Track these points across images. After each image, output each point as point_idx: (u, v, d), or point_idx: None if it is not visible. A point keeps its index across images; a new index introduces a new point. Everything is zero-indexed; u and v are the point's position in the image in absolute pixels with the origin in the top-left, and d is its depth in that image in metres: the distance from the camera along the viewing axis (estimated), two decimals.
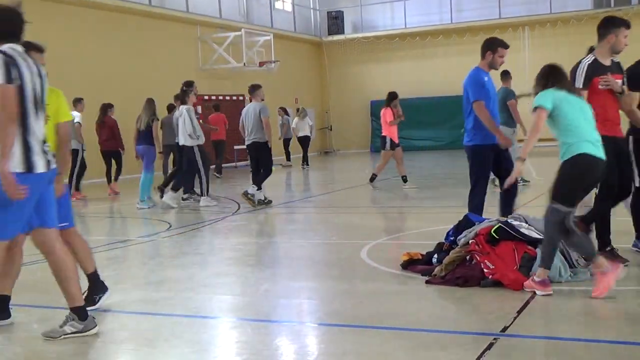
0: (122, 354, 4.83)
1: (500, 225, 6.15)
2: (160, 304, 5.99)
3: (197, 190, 12.93)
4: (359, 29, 30.95)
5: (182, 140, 12.55)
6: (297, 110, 24.97)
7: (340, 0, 31.32)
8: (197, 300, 6.05)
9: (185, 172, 12.97)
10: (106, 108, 15.68)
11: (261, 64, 25.12)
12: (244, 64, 24.31)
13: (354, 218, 11.26)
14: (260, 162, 12.56)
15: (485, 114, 7.25)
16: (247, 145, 12.68)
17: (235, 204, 12.75)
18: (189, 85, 12.66)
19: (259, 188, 12.39)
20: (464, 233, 6.41)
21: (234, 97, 25.35)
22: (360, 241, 8.39)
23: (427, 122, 28.50)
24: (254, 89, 12.71)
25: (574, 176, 5.54)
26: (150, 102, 13.57)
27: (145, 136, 13.24)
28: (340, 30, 30.85)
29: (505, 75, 13.26)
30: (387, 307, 5.52)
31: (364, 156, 28.17)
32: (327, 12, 31.06)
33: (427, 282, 6.09)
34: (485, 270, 5.90)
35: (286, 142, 23.66)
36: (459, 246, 6.29)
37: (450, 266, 6.13)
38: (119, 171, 15.99)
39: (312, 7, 31.47)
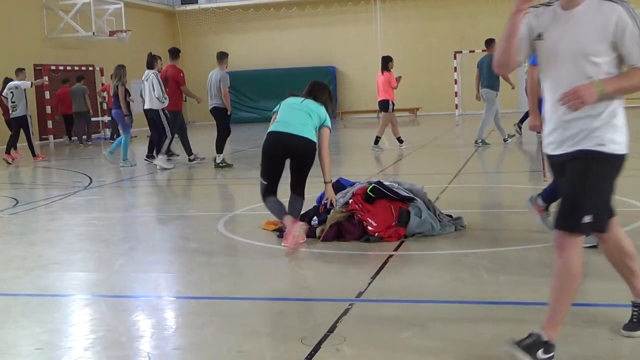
0: None
1: (374, 185, 6.63)
2: (8, 283, 5.71)
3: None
4: None
5: (149, 104, 13.11)
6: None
7: None
8: (48, 278, 5.83)
9: (156, 135, 13.59)
10: None
11: (111, 33, 24.28)
12: (93, 33, 23.40)
13: (212, 190, 11.19)
14: (219, 127, 13.12)
15: None
16: (209, 110, 13.15)
17: (87, 178, 12.33)
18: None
19: (220, 152, 12.95)
20: (338, 195, 6.74)
21: (84, 68, 24.35)
22: (218, 213, 8.36)
23: (282, 93, 28.58)
24: (222, 56, 13.13)
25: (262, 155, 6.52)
26: (117, 68, 14.18)
27: (115, 101, 14.10)
28: (194, 0, 30.29)
29: (490, 42, 14.23)
30: (245, 278, 5.54)
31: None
32: None
33: (320, 239, 6.40)
34: (369, 227, 6.32)
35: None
36: (339, 206, 6.60)
37: (332, 223, 6.47)
38: None
39: None
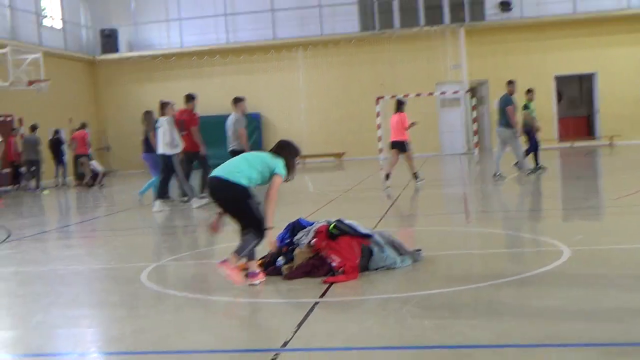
0: None
1: (335, 223, 6.99)
2: None
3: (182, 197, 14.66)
4: (134, 47, 30.33)
5: (162, 149, 13.58)
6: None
7: (114, 17, 30.52)
8: None
9: (163, 179, 13.94)
10: None
11: (30, 84, 23.75)
12: (10, 83, 22.86)
13: (137, 239, 10.97)
14: None
15: None
16: (228, 152, 13.35)
17: (3, 231, 11.95)
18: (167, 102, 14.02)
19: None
20: (300, 234, 7.08)
21: (1, 117, 23.75)
22: (142, 263, 8.18)
23: (210, 140, 28.42)
24: (235, 101, 13.90)
25: None
26: (145, 115, 15.07)
27: (145, 145, 14.91)
28: (114, 49, 30.04)
29: (510, 84, 15.91)
30: (168, 331, 5.42)
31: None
32: (100, 30, 30.13)
33: (285, 277, 6.68)
34: (333, 264, 6.65)
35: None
36: (304, 246, 6.91)
37: (299, 262, 6.79)
38: None
39: (83, 24, 30.38)
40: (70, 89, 28.73)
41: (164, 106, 13.99)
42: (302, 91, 27.61)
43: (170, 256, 8.90)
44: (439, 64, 28.11)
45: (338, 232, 6.90)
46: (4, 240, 11.11)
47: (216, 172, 6.60)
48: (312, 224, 7.26)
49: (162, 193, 13.99)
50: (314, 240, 6.88)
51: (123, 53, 30.08)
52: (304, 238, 7.01)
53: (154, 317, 5.87)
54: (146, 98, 30.02)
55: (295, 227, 7.29)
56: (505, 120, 15.53)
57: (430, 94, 27.80)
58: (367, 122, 28.04)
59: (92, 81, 30.53)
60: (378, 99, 27.86)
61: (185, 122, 14.41)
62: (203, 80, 29.63)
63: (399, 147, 15.69)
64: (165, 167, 13.83)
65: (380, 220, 10.51)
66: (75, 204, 18.66)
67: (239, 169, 6.52)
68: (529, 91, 17.34)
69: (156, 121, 14.15)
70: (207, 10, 29.73)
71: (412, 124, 15.52)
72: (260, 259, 7.04)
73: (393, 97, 27.56)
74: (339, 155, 28.40)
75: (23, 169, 22.66)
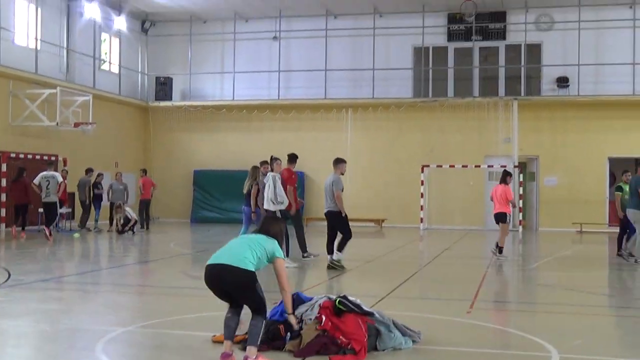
0: None
1: (341, 300, 6.94)
2: None
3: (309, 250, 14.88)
4: (187, 96, 30.63)
5: (266, 204, 13.88)
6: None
7: (171, 66, 30.94)
8: None
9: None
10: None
11: (76, 125, 24.10)
12: (57, 123, 23.22)
13: (126, 298, 10.62)
14: (337, 229, 13.75)
15: None
16: (324, 214, 13.92)
17: (4, 274, 11.75)
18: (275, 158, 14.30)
19: (340, 250, 13.59)
20: (303, 307, 7.03)
21: (45, 157, 24.04)
22: (110, 328, 7.79)
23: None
24: (336, 162, 14.01)
25: None
26: (253, 169, 15.35)
27: (246, 198, 15.30)
28: (168, 97, 30.39)
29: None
30: None
31: (184, 226, 27.52)
32: (156, 77, 30.56)
33: (295, 355, 6.53)
34: (341, 340, 6.59)
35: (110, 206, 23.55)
36: (310, 322, 6.83)
37: (308, 340, 6.65)
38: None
39: (140, 71, 30.88)
40: (120, 133, 29.07)
41: (273, 161, 14.22)
42: (348, 152, 27.14)
43: (143, 321, 8.46)
44: (490, 136, 27.49)
45: (344, 308, 6.88)
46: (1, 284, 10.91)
47: (221, 259, 6.36)
48: (312, 298, 7.25)
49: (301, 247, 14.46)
50: (320, 316, 6.82)
51: (176, 101, 30.35)
52: (309, 313, 6.95)
53: None
54: (193, 147, 30.24)
55: (295, 300, 7.12)
56: (637, 202, 14.75)
57: (477, 166, 27.15)
58: (412, 189, 27.50)
59: (143, 127, 30.85)
60: (424, 167, 27.36)
61: (284, 181, 14.36)
62: (251, 134, 29.65)
63: (500, 218, 15.58)
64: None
65: (381, 300, 9.92)
66: (95, 251, 18.52)
67: (244, 255, 6.35)
68: (626, 172, 16.43)
69: (263, 176, 14.54)
70: (261, 65, 29.89)
71: (514, 202, 15.73)
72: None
73: (439, 166, 27.13)
74: (380, 221, 27.82)
75: (63, 209, 22.72)
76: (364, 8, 28.31)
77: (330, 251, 13.77)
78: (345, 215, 13.71)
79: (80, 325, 8.23)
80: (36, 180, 19.37)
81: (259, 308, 6.29)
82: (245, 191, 15.44)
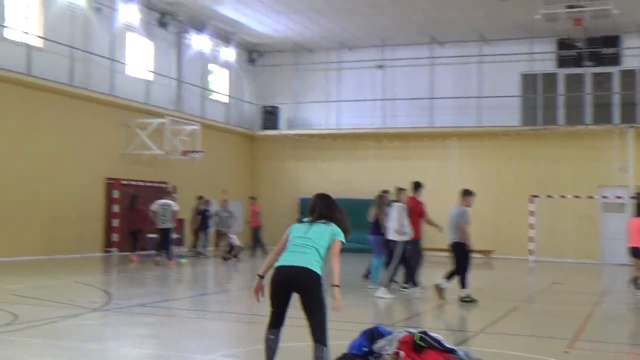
0: None
1: (421, 335, 6.68)
2: None
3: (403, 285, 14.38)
4: (293, 125, 30.94)
5: (391, 234, 13.75)
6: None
7: (277, 95, 31.39)
8: None
9: (390, 265, 13.87)
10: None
11: (184, 153, 24.72)
12: (167, 152, 23.88)
13: (218, 325, 10.62)
14: (457, 260, 13.33)
15: None
16: (448, 244, 13.45)
17: (105, 297, 12.02)
18: (401, 189, 14.28)
19: (463, 286, 13.18)
20: (381, 343, 6.75)
21: (155, 184, 24.77)
22: (192, 355, 7.76)
23: (354, 224, 28.10)
24: (464, 193, 13.61)
25: None
26: (378, 198, 15.08)
27: (373, 227, 14.82)
28: (274, 125, 30.81)
29: None
30: None
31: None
32: (263, 107, 31.06)
33: None
34: None
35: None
36: (388, 357, 6.59)
37: None
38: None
39: (248, 100, 31.46)
40: (227, 162, 29.63)
41: (399, 192, 14.14)
42: (453, 181, 26.62)
43: (229, 349, 8.41)
44: (603, 165, 26.31)
45: (424, 344, 6.64)
46: (97, 308, 11.15)
47: (297, 260, 6.21)
48: (391, 332, 6.97)
49: (389, 280, 13.83)
50: (399, 352, 6.60)
51: (282, 130, 30.72)
52: (388, 348, 6.72)
53: None
54: (299, 175, 30.43)
55: (374, 334, 6.95)
56: None
57: (590, 196, 26.00)
58: (520, 220, 26.63)
59: (250, 155, 31.36)
60: (533, 197, 26.45)
61: (410, 211, 14.16)
62: (355, 163, 29.60)
63: (633, 252, 14.64)
64: (390, 253, 13.90)
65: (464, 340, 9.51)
66: (196, 277, 18.78)
67: (314, 258, 6.23)
68: None
69: (389, 205, 14.33)
70: (365, 94, 29.88)
71: None
72: None
73: (549, 197, 26.15)
74: (487, 252, 27.03)
75: (173, 235, 23.12)
76: (470, 35, 27.87)
77: (463, 285, 13.30)
78: (469, 249, 13.28)
79: (162, 351, 8.24)
80: (154, 207, 20.14)
81: (320, 332, 6.07)
82: (371, 220, 15.06)
